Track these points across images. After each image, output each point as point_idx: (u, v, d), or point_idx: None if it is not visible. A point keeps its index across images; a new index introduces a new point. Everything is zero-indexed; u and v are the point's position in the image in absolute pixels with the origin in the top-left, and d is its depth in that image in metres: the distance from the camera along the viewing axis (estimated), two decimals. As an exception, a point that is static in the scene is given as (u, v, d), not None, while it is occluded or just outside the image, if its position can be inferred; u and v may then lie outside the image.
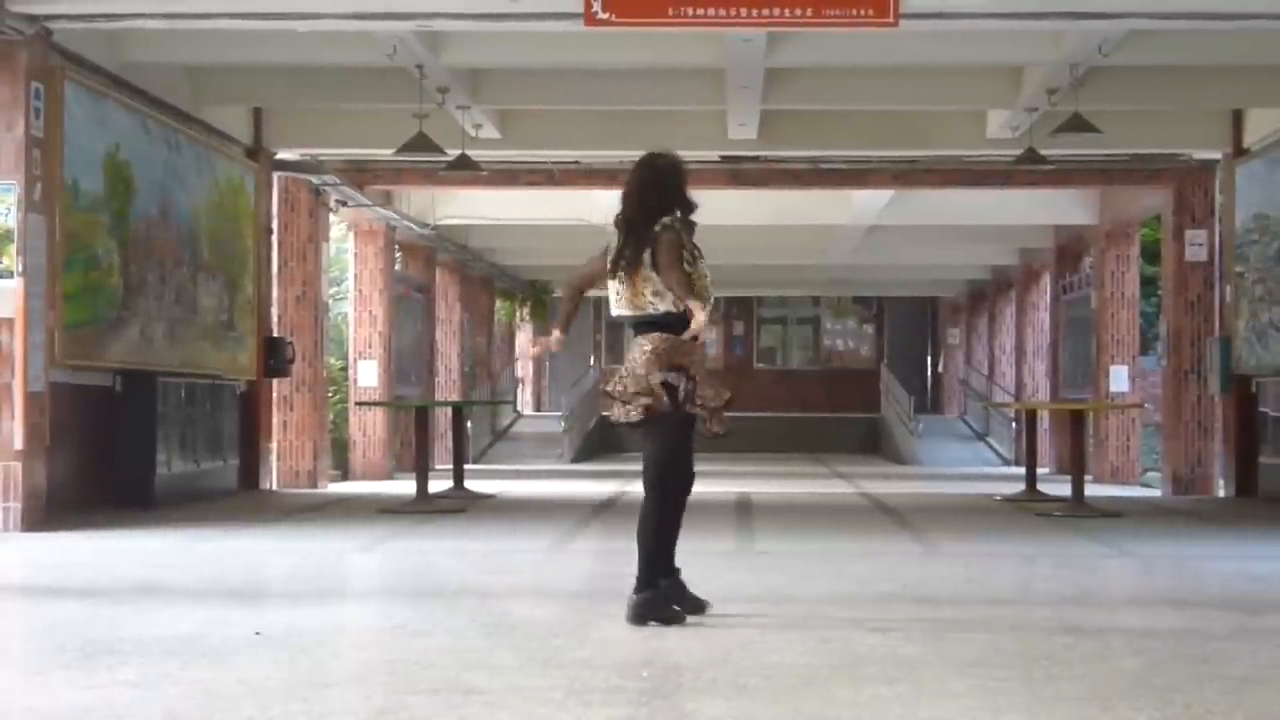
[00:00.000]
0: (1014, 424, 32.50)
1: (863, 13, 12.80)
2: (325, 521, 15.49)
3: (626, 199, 8.15)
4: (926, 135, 20.26)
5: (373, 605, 9.60)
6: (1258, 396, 19.25)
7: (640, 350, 7.90)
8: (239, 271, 19.13)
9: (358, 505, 17.65)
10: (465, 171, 18.80)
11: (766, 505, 15.31)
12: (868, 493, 20.54)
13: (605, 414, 8.25)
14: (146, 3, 13.59)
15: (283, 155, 20.61)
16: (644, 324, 7.96)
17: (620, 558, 12.02)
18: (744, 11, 12.90)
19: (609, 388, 7.95)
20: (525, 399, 43.91)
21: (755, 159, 21.34)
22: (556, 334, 8.26)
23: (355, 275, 24.78)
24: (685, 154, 21.49)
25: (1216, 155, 20.42)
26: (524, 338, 43.39)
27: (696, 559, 10.96)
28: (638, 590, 7.89)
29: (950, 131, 20.24)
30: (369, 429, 24.39)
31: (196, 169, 17.69)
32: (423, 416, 17.71)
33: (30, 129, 13.61)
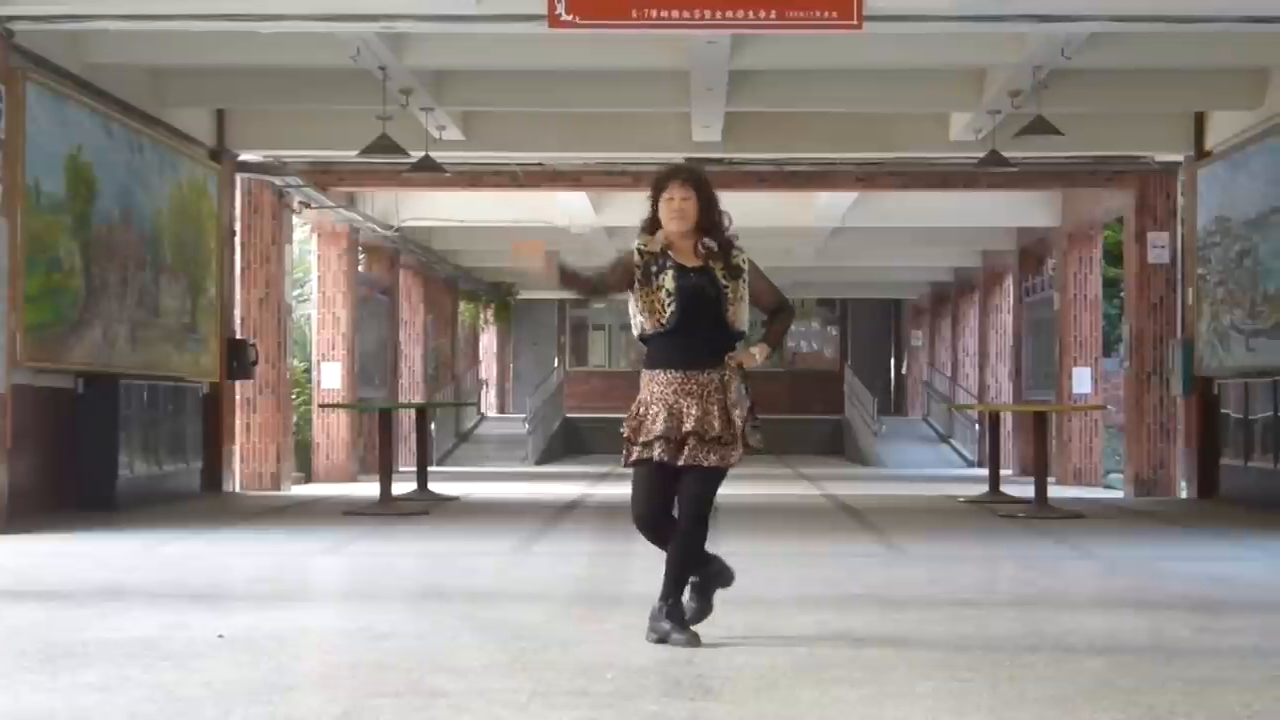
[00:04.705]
0: (977, 426, 32.60)
1: (826, 15, 12.81)
2: (288, 524, 15.46)
3: None
4: (890, 137, 20.28)
5: (336, 608, 9.59)
6: (1219, 398, 19.32)
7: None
8: (202, 274, 19.08)
9: (321, 508, 17.62)
10: (429, 173, 18.75)
11: (730, 507, 15.27)
12: (831, 494, 20.56)
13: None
14: (108, 4, 13.54)
15: (246, 157, 20.55)
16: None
17: (585, 560, 12.06)
18: (708, 13, 12.89)
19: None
20: (489, 401, 43.89)
21: (720, 161, 21.32)
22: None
23: (318, 277, 24.75)
24: (649, 156, 21.60)
25: (1178, 158, 20.47)
26: (488, 338, 43.43)
27: (660, 562, 10.97)
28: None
29: (914, 134, 20.26)
30: (332, 431, 24.36)
31: (159, 171, 17.64)
32: (386, 419, 17.69)
33: (-9, 130, 13.56)
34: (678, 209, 7.60)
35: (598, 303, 8.58)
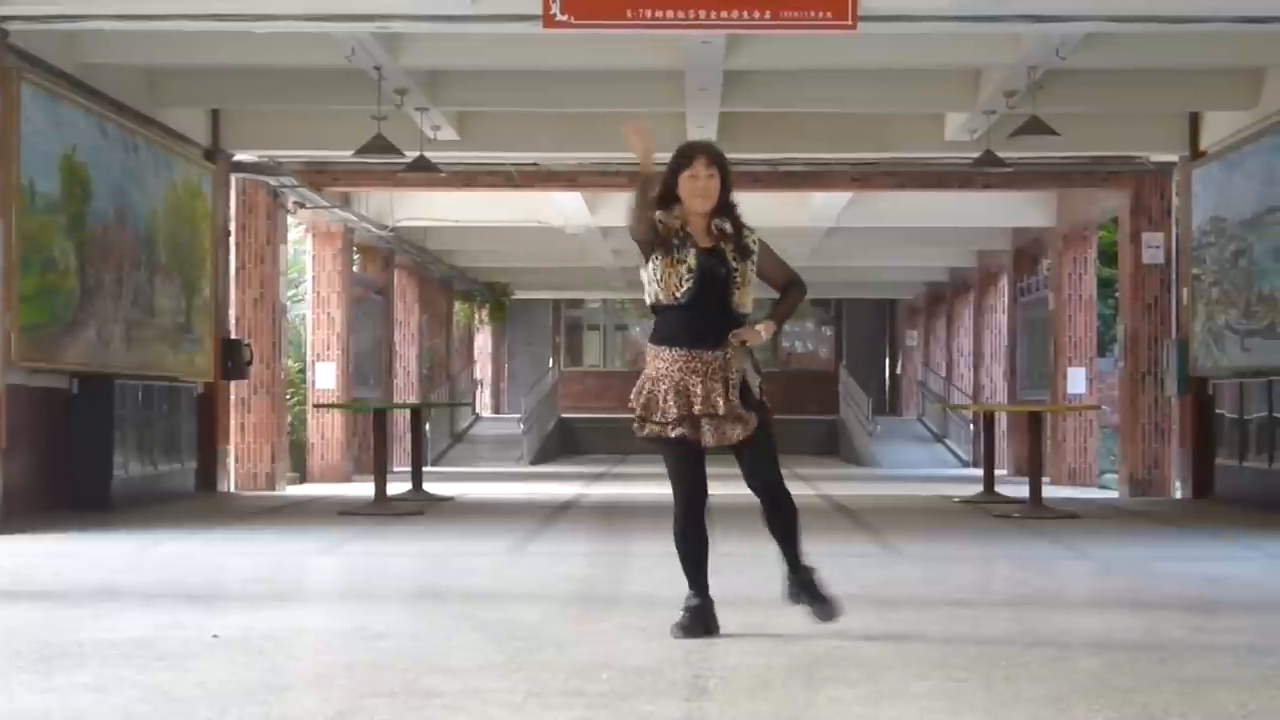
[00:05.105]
0: (972, 426, 32.60)
1: (821, 15, 12.81)
2: (283, 524, 15.45)
3: None
4: (885, 137, 20.27)
5: (331, 608, 9.58)
6: (1214, 398, 19.32)
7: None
8: (196, 274, 19.07)
9: (316, 508, 17.61)
10: (424, 173, 18.76)
11: (724, 507, 15.20)
12: (826, 494, 20.57)
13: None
14: (103, 4, 13.52)
15: (240, 157, 20.55)
16: None
17: (580, 560, 12.04)
18: (702, 13, 12.89)
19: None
20: (484, 401, 43.88)
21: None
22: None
23: (313, 277, 24.75)
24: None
25: (1173, 158, 20.48)
26: (483, 339, 43.42)
27: (657, 561, 10.96)
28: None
29: (909, 134, 20.25)
30: (327, 431, 24.35)
31: (154, 170, 17.63)
32: (381, 419, 17.68)
33: (-14, 130, 13.55)
34: (703, 187, 7.58)
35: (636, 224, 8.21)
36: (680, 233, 7.54)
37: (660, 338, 7.62)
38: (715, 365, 7.51)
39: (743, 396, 7.54)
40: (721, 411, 7.47)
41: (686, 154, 7.65)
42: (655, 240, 7.54)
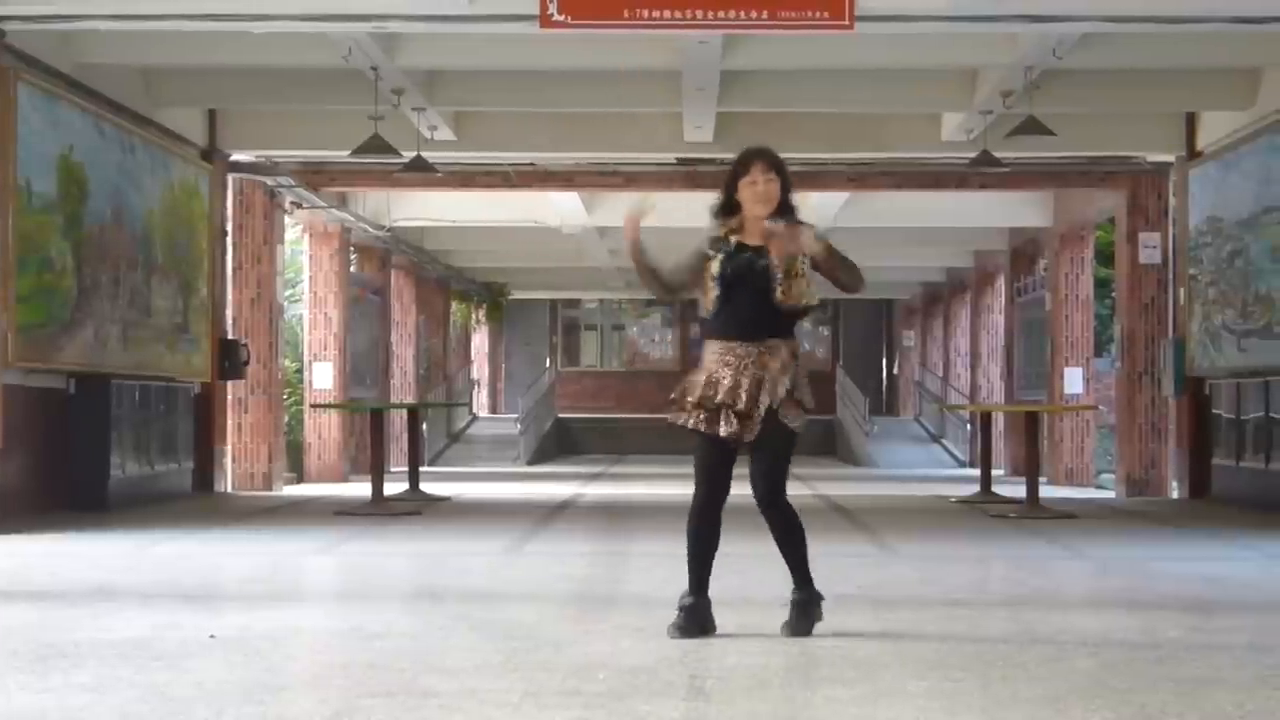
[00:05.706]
0: (969, 426, 32.59)
1: (818, 15, 12.81)
2: (280, 524, 15.44)
3: None
4: (882, 137, 20.27)
5: (328, 608, 9.57)
6: (1211, 398, 19.33)
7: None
8: (193, 274, 19.06)
9: (313, 508, 17.60)
10: (420, 173, 18.76)
11: (724, 507, 15.16)
12: (823, 494, 20.57)
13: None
14: (100, 4, 13.51)
15: (237, 157, 20.54)
16: None
17: (577, 560, 12.04)
18: (699, 13, 12.89)
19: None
20: (481, 401, 43.86)
21: (711, 161, 21.30)
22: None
23: (310, 277, 24.73)
24: (641, 156, 21.44)
25: (1170, 158, 20.48)
26: (480, 339, 43.38)
27: (654, 562, 10.96)
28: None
29: (906, 134, 20.25)
30: (324, 431, 24.35)
31: (151, 170, 17.62)
32: (378, 419, 17.68)
33: (-17, 130, 13.54)
34: (763, 192, 7.76)
35: (669, 299, 8.58)
36: (719, 243, 7.72)
37: (707, 331, 7.75)
38: (749, 360, 7.58)
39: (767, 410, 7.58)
40: (742, 407, 7.53)
41: (744, 161, 7.87)
42: (689, 281, 7.78)
